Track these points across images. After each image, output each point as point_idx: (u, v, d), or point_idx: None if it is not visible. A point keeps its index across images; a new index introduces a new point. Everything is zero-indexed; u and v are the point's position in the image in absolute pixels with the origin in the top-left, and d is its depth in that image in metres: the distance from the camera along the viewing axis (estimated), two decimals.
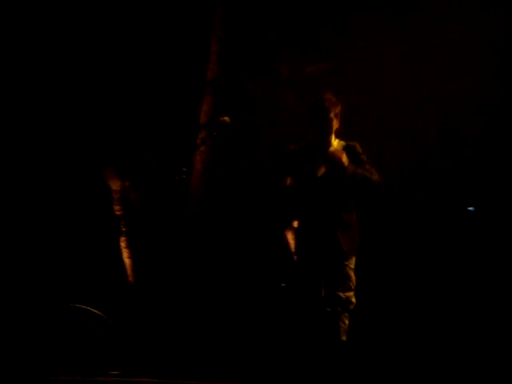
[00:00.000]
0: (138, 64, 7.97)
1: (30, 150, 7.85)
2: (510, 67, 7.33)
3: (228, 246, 7.66)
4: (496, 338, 6.81)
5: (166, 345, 6.92)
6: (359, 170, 5.66)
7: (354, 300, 5.68)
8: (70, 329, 6.80)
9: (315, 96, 5.77)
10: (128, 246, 7.41)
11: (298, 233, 5.93)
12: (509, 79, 7.29)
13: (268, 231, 7.20)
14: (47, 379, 6.19)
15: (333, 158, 5.63)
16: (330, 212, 5.70)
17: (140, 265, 7.39)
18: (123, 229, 7.52)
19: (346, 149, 5.71)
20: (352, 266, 5.73)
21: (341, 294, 5.63)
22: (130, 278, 7.39)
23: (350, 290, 5.68)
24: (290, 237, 6.41)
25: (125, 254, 7.40)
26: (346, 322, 5.64)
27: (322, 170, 5.72)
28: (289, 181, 5.78)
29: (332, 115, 5.63)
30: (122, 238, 7.51)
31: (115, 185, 7.59)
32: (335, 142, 5.76)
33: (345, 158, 5.61)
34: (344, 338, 5.63)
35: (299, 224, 5.91)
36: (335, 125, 5.69)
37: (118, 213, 7.57)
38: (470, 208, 7.43)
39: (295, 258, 5.92)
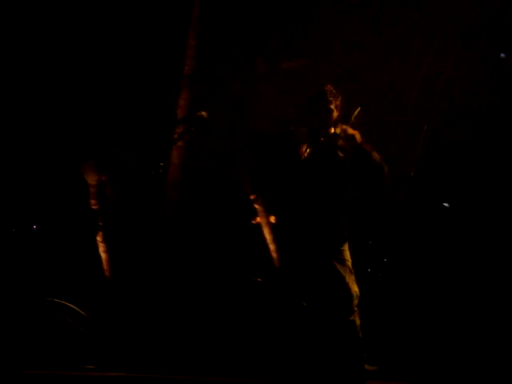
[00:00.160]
0: (115, 58, 7.96)
1: (5, 143, 7.82)
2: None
3: (204, 240, 7.67)
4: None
5: (141, 339, 6.92)
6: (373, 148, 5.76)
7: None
8: (45, 322, 6.79)
9: (311, 89, 5.97)
10: (104, 241, 7.38)
11: (281, 227, 5.96)
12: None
13: (244, 225, 7.20)
14: (21, 373, 6.18)
15: (346, 135, 5.71)
16: (325, 199, 5.77)
17: (116, 259, 7.37)
18: (99, 223, 7.50)
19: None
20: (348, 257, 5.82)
21: (355, 289, 5.73)
22: (106, 273, 7.36)
23: (355, 282, 5.78)
24: (266, 231, 6.44)
25: (101, 248, 7.36)
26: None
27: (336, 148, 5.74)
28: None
29: (333, 106, 5.80)
30: (99, 233, 7.49)
31: (91, 179, 7.55)
32: (337, 130, 5.84)
33: (358, 136, 5.70)
34: (361, 334, 5.78)
35: (282, 217, 5.94)
36: (335, 115, 5.83)
37: (94, 207, 7.53)
38: (445, 204, 7.47)
39: (275, 254, 5.97)
